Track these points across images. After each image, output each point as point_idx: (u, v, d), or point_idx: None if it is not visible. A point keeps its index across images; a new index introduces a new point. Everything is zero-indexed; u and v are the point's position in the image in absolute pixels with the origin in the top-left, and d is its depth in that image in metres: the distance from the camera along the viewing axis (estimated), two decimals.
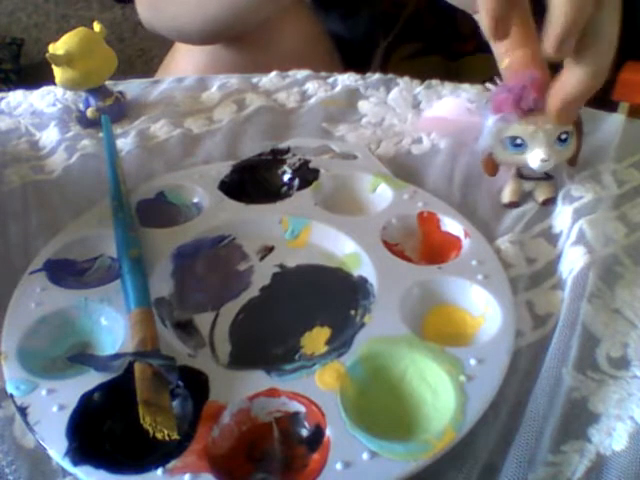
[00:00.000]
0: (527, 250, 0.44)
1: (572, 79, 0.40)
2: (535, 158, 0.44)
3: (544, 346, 0.37)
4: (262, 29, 0.76)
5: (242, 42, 0.77)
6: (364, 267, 0.41)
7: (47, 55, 0.55)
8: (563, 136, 0.44)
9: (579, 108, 0.43)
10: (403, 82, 0.63)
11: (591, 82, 0.39)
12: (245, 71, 0.68)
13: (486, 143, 0.45)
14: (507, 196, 0.48)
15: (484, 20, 0.38)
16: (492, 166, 0.47)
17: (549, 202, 0.47)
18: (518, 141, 0.44)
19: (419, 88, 0.61)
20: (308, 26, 0.81)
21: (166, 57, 0.86)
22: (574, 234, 0.43)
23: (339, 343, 0.36)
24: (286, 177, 0.50)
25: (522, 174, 0.47)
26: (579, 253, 0.41)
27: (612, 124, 0.54)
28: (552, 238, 0.45)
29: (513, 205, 0.48)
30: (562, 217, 0.45)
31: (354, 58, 0.85)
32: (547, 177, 0.47)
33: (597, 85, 0.40)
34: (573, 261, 0.41)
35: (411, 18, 0.82)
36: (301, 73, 0.66)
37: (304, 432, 0.33)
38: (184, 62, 0.82)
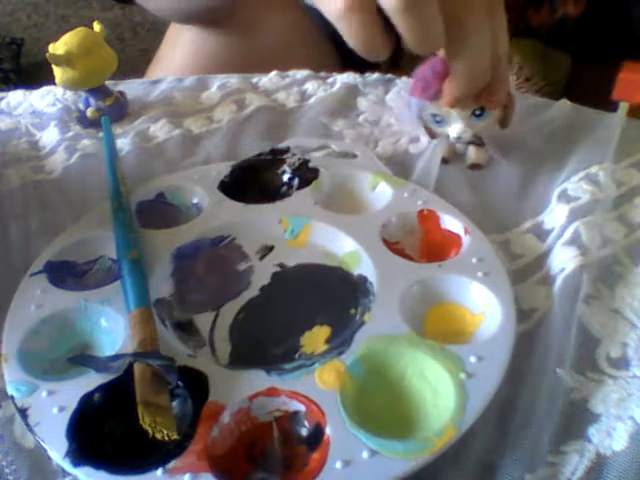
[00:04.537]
0: (514, 245, 0.44)
1: (454, 81, 0.44)
2: (452, 133, 0.49)
3: (529, 341, 0.37)
4: (247, 17, 0.76)
5: (228, 30, 0.77)
6: (364, 266, 0.41)
7: (47, 55, 0.55)
8: (477, 112, 0.47)
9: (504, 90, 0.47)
10: (401, 82, 0.63)
11: (472, 87, 0.43)
12: (231, 58, 0.69)
13: (412, 119, 0.51)
14: (440, 154, 0.52)
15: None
16: (430, 132, 0.51)
17: (476, 167, 0.51)
18: (438, 118, 0.49)
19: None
20: (293, 14, 0.81)
21: (158, 49, 0.87)
22: (568, 234, 0.43)
23: (339, 342, 0.36)
24: (286, 177, 0.50)
25: None
26: (572, 254, 0.41)
27: (611, 124, 0.54)
28: (542, 234, 0.45)
29: (443, 162, 0.51)
30: (555, 214, 0.45)
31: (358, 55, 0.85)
32: (477, 142, 0.51)
33: (478, 84, 0.43)
34: (565, 260, 0.41)
35: None
36: (301, 73, 0.66)
37: (304, 431, 0.33)
38: (172, 51, 0.83)
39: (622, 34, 0.73)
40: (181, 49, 0.81)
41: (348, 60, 0.68)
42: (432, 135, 0.52)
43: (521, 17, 0.76)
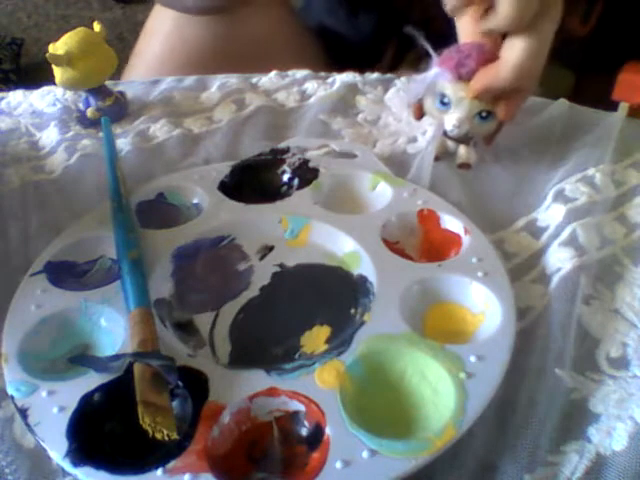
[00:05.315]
0: (508, 244, 0.44)
1: (497, 72, 0.44)
2: (449, 120, 0.47)
3: (526, 339, 0.37)
4: (230, 8, 0.76)
5: (209, 20, 0.78)
6: (364, 266, 0.41)
7: (47, 55, 0.55)
8: (484, 114, 0.47)
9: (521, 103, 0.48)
10: (400, 82, 0.63)
11: (511, 81, 0.44)
12: (211, 48, 0.70)
13: (420, 89, 0.49)
14: (434, 151, 0.52)
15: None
16: (418, 112, 0.51)
17: (464, 167, 0.51)
18: (445, 100, 0.47)
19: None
20: (278, 10, 0.81)
21: (137, 41, 0.87)
22: (565, 234, 0.43)
23: (339, 342, 0.36)
24: (286, 177, 0.50)
25: (446, 133, 0.50)
26: (569, 254, 0.41)
27: (611, 124, 0.54)
28: (536, 231, 0.45)
29: (435, 159, 0.51)
30: (550, 212, 0.46)
31: (357, 57, 0.86)
32: (467, 142, 0.50)
33: (515, 83, 0.44)
34: (562, 260, 0.41)
35: (423, 21, 0.83)
36: (300, 73, 0.66)
37: (304, 431, 0.33)
38: (151, 41, 0.83)
39: (627, 39, 0.73)
40: (160, 38, 0.81)
41: (337, 61, 0.68)
42: (419, 116, 0.51)
43: None
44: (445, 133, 0.50)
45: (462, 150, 0.51)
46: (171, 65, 0.78)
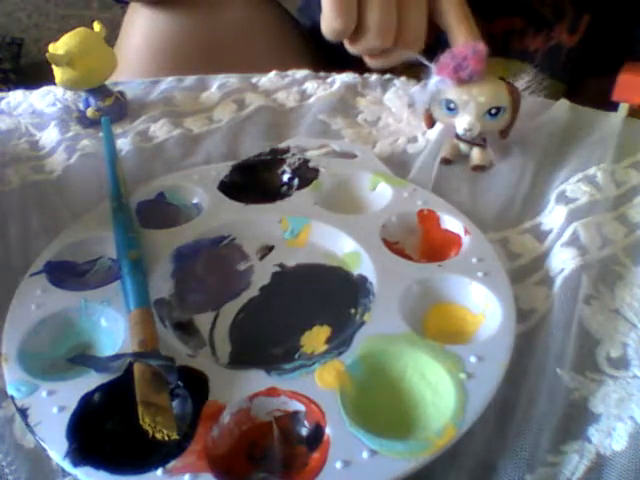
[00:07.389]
0: (512, 245, 0.44)
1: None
2: (460, 124, 0.48)
3: (529, 341, 0.37)
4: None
5: (183, 9, 0.78)
6: (364, 266, 0.41)
7: (47, 55, 0.55)
8: (493, 111, 0.47)
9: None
10: (399, 82, 0.63)
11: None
12: (186, 39, 0.72)
13: (425, 99, 0.49)
14: (443, 152, 0.52)
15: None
16: (429, 121, 0.51)
17: (479, 169, 0.51)
18: (452, 105, 0.48)
19: (415, 88, 0.61)
20: (256, 3, 0.81)
21: (119, 34, 0.87)
22: (567, 235, 0.43)
23: (339, 342, 0.36)
24: (286, 177, 0.50)
25: (458, 135, 0.50)
26: (571, 254, 0.41)
27: (611, 124, 0.54)
28: (540, 235, 0.45)
29: (446, 162, 0.51)
30: (553, 215, 0.45)
31: (351, 58, 0.86)
32: (480, 143, 0.50)
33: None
34: (565, 261, 0.41)
35: None
36: (300, 73, 0.66)
37: (304, 431, 0.33)
38: (128, 32, 0.82)
39: (627, 39, 0.73)
40: (136, 29, 0.80)
41: (333, 62, 0.68)
42: (430, 124, 0.51)
43: (520, 40, 0.76)
44: (457, 136, 0.50)
45: (476, 152, 0.51)
46: (150, 59, 0.77)
